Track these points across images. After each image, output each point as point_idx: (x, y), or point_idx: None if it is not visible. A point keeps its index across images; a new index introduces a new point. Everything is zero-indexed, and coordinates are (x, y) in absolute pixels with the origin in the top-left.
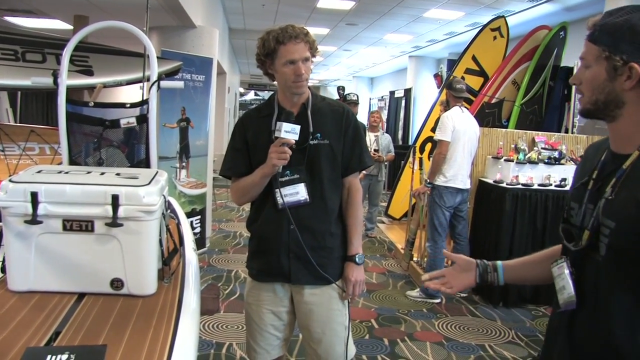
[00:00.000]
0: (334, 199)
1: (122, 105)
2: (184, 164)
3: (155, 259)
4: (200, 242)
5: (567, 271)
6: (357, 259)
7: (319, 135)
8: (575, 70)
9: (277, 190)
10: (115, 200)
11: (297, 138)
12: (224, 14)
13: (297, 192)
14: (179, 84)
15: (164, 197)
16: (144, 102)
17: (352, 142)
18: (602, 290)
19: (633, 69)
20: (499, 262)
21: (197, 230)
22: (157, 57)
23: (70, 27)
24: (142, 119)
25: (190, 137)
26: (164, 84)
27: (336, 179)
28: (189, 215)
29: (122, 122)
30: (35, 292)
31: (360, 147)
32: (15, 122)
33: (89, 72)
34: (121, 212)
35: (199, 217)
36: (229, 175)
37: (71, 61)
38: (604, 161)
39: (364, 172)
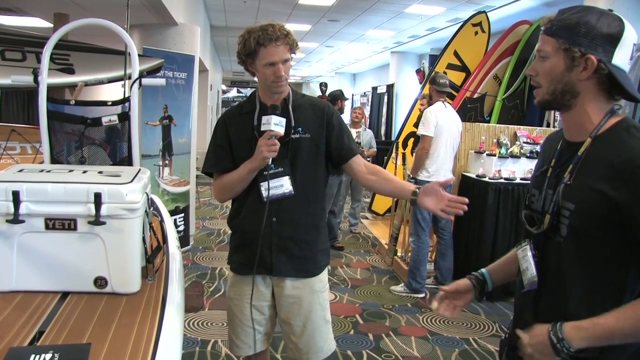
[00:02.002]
0: (316, 192)
1: (103, 103)
2: (166, 161)
3: (138, 257)
4: (183, 239)
5: (530, 253)
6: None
7: (300, 129)
8: None
9: (262, 183)
10: (97, 199)
11: (283, 130)
12: (205, 11)
13: (281, 185)
14: (161, 81)
15: (147, 195)
16: (126, 100)
17: (338, 133)
18: (563, 268)
19: (589, 60)
20: (484, 271)
21: (181, 228)
22: (139, 55)
23: (51, 25)
24: (124, 117)
25: (172, 135)
26: (146, 81)
27: (319, 172)
28: (172, 213)
29: (104, 120)
30: (18, 291)
31: (348, 137)
32: None
33: (70, 71)
34: (104, 210)
35: (182, 214)
36: (212, 172)
37: (52, 59)
38: (560, 150)
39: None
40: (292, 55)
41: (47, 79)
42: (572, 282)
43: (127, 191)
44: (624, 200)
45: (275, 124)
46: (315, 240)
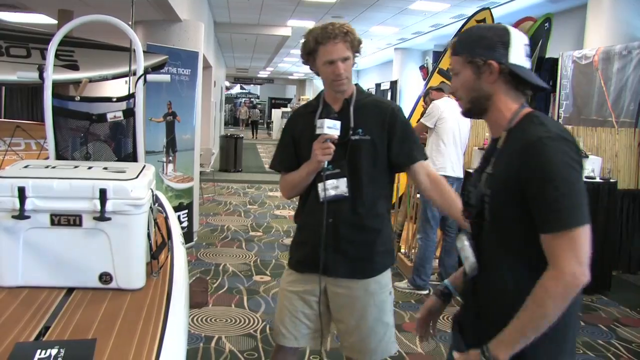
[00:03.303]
0: (373, 194)
1: (108, 100)
2: (170, 158)
3: (143, 253)
4: (187, 236)
5: (467, 242)
6: None
7: (360, 130)
8: (560, 62)
9: (319, 184)
10: (103, 195)
11: (338, 133)
12: (209, 7)
13: (337, 187)
14: (166, 77)
15: (152, 191)
16: (131, 96)
17: (400, 138)
18: (491, 251)
19: (491, 65)
20: (446, 282)
21: (185, 224)
22: (143, 51)
23: (55, 21)
24: (129, 113)
25: (176, 131)
26: (151, 77)
27: (378, 175)
28: (176, 209)
29: (109, 116)
30: (24, 287)
31: (411, 142)
32: (0, 118)
33: (74, 67)
34: (109, 206)
35: (186, 211)
36: (278, 169)
37: (56, 56)
38: (488, 148)
39: None
40: (356, 54)
41: (52, 75)
42: (500, 261)
43: (132, 187)
44: (523, 177)
45: (329, 127)
46: (373, 242)
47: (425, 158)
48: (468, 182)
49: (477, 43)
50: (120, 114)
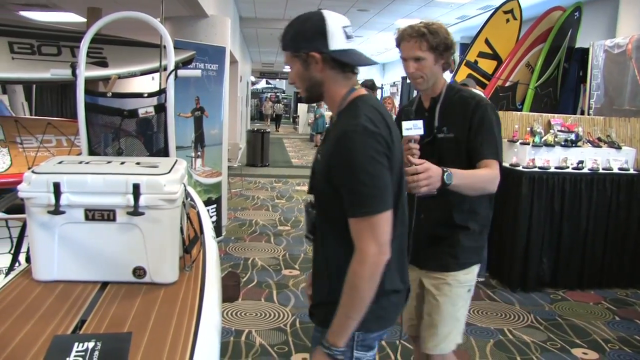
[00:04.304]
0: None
1: (139, 95)
2: (199, 153)
3: (176, 247)
4: (216, 230)
5: (306, 210)
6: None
7: (445, 129)
8: (590, 52)
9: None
10: (136, 189)
11: (421, 132)
12: (235, 2)
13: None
14: (197, 72)
15: (184, 186)
16: (162, 92)
17: (475, 132)
18: (316, 230)
19: (314, 56)
20: None
21: (214, 218)
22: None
23: (84, 19)
24: (160, 108)
25: (205, 126)
26: (182, 72)
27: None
28: (205, 204)
29: (140, 111)
30: (60, 281)
31: (485, 138)
32: (31, 115)
33: (103, 64)
34: (142, 201)
35: (214, 205)
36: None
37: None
38: (329, 127)
39: None
40: (442, 55)
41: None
42: (325, 235)
43: (166, 182)
44: (332, 164)
45: (407, 129)
46: (459, 239)
47: (494, 157)
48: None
49: (296, 38)
50: (151, 109)
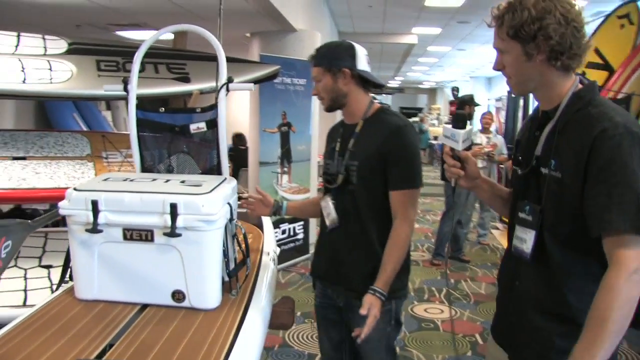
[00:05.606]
0: None
1: (192, 111)
2: (285, 169)
3: (217, 271)
4: (303, 247)
5: (330, 203)
6: None
7: (553, 163)
8: None
9: None
10: (173, 209)
11: (457, 147)
12: (332, 17)
13: None
14: (249, 86)
15: (230, 206)
16: (213, 107)
17: (595, 182)
18: (359, 207)
19: (345, 71)
20: (285, 204)
21: (300, 236)
22: (255, 62)
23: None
24: (213, 124)
25: (291, 141)
26: (234, 86)
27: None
28: (291, 221)
29: (192, 127)
30: (100, 301)
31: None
32: (120, 130)
33: (185, 79)
34: (180, 221)
35: (302, 222)
36: None
37: (169, 69)
38: (342, 132)
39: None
40: (525, 45)
41: (165, 88)
42: (366, 214)
43: (204, 202)
44: (385, 151)
45: (445, 136)
46: None
47: (628, 230)
48: (325, 158)
49: (331, 56)
50: (203, 124)
